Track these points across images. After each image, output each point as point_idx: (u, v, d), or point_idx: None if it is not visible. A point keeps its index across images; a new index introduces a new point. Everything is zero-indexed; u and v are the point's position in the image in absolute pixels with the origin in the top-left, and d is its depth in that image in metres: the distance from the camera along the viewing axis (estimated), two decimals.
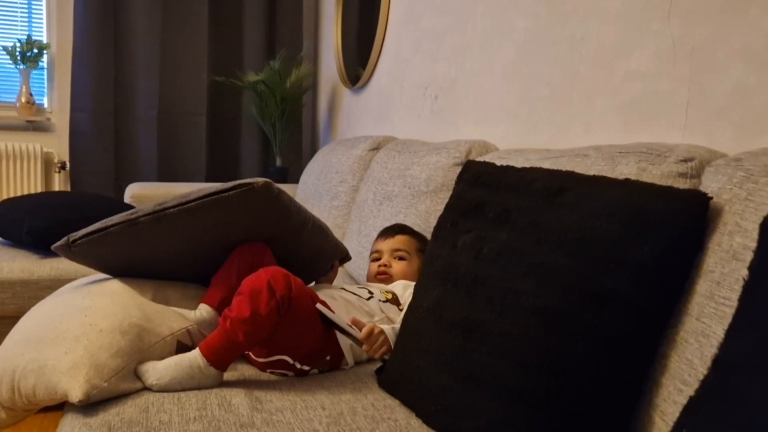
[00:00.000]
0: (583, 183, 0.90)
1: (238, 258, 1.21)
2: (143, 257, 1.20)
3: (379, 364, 1.15)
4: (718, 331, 0.69)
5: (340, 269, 1.69)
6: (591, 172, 1.02)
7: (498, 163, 1.32)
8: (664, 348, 0.78)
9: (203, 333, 1.14)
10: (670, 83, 1.15)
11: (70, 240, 1.15)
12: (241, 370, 1.13)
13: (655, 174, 0.93)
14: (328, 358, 1.13)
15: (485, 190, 1.01)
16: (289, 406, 0.97)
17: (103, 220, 1.14)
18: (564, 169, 1.05)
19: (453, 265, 0.97)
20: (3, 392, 0.99)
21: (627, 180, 0.86)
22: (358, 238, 1.89)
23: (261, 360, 1.10)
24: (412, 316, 1.03)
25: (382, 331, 1.10)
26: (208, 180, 3.21)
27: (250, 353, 1.12)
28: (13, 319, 1.83)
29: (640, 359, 0.77)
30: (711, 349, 0.70)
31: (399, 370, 1.02)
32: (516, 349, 0.82)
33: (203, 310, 1.17)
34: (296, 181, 3.00)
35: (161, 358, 1.04)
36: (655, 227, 0.77)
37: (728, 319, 0.67)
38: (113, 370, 0.96)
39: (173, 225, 1.12)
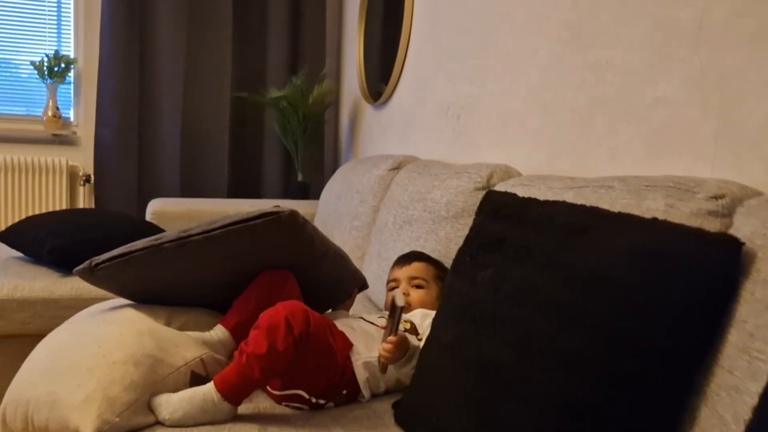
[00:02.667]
0: (608, 221, 0.87)
1: (259, 283, 1.20)
2: (165, 283, 1.19)
3: (396, 399, 1.13)
4: (751, 388, 0.66)
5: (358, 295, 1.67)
6: (616, 207, 0.99)
7: (520, 191, 1.29)
8: (694, 400, 0.74)
9: (218, 359, 1.12)
10: (698, 112, 1.12)
11: (93, 264, 1.15)
12: (256, 402, 1.11)
13: (684, 211, 0.89)
14: (344, 392, 1.11)
15: (506, 224, 0.99)
16: None
17: (127, 245, 1.14)
18: (588, 204, 1.02)
19: (472, 301, 0.95)
20: (18, 423, 0.98)
21: (655, 220, 0.83)
22: (378, 262, 1.87)
23: (276, 393, 1.09)
24: (430, 352, 1.01)
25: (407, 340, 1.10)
26: (230, 195, 3.22)
27: (268, 388, 1.11)
28: (34, 338, 1.84)
29: (669, 410, 0.74)
30: (744, 406, 0.66)
31: (416, 407, 0.99)
32: (536, 394, 0.79)
33: (219, 332, 1.17)
34: (317, 196, 2.99)
35: (175, 389, 1.02)
36: (685, 273, 0.74)
37: (762, 376, 0.64)
38: (125, 404, 0.95)
39: (197, 252, 1.11)
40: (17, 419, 0.98)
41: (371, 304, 1.88)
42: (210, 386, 0.99)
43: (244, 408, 1.07)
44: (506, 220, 0.99)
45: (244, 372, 0.97)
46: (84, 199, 3.27)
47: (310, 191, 3.30)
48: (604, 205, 1.02)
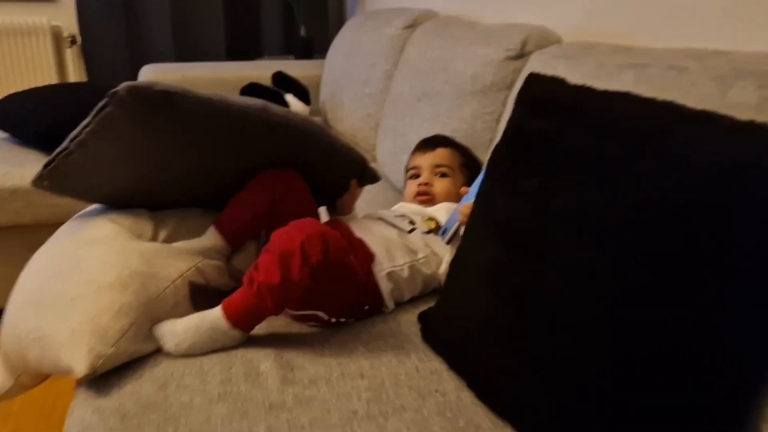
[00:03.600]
0: (689, 124, 0.69)
1: (260, 186, 1.05)
2: (121, 184, 1.03)
3: (421, 308, 1.03)
4: None
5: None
6: (692, 98, 0.81)
7: (563, 67, 1.10)
8: None
9: (216, 265, 1.01)
10: None
11: (38, 176, 0.99)
12: (270, 320, 1.01)
13: None
14: (366, 308, 1.02)
15: (554, 122, 0.81)
16: (323, 375, 0.86)
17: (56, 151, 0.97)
18: (655, 93, 0.84)
19: (513, 218, 0.80)
20: (13, 359, 0.90)
21: (752, 124, 0.65)
22: (393, 138, 1.70)
23: (292, 312, 0.99)
24: (463, 272, 0.89)
25: None
26: (229, 57, 2.97)
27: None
28: (31, 227, 1.75)
29: (758, 376, 0.62)
30: None
31: (447, 330, 0.89)
32: (592, 337, 0.68)
33: (212, 238, 1.04)
34: (323, 53, 2.74)
35: (174, 305, 0.93)
36: None
37: None
38: (119, 332, 0.85)
39: (96, 149, 0.93)
40: (12, 355, 0.90)
41: (386, 183, 1.74)
42: (218, 313, 0.89)
43: (256, 328, 0.99)
44: (555, 117, 0.81)
45: (255, 301, 0.87)
46: (73, 64, 3.03)
47: (315, 47, 3.04)
48: (677, 95, 0.83)
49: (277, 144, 1.03)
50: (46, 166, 0.97)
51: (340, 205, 1.22)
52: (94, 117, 0.90)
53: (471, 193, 1.05)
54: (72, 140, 0.93)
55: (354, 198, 1.23)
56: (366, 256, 1.03)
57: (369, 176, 1.23)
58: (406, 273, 1.05)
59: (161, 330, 0.89)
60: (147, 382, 0.83)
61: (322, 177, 1.13)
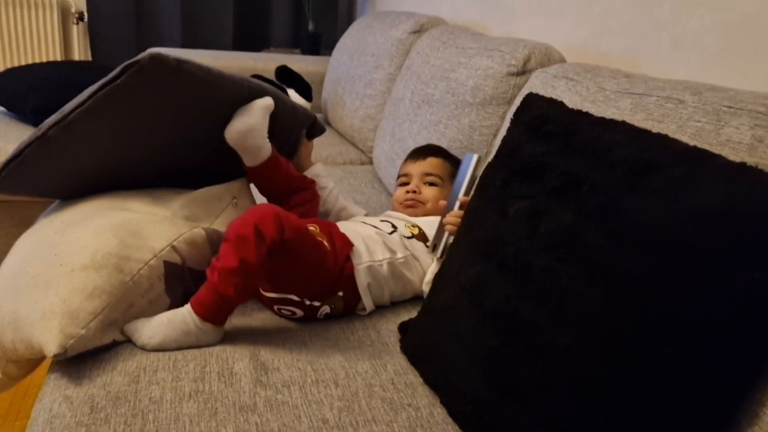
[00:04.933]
0: (681, 160, 0.68)
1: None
2: (87, 173, 1.02)
3: (402, 317, 1.03)
4: None
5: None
6: (687, 132, 0.80)
7: (563, 87, 1.09)
8: (760, 395, 0.62)
9: (193, 239, 1.00)
10: None
11: None
12: (249, 313, 1.02)
13: None
14: (340, 294, 1.01)
15: (550, 146, 0.80)
16: (297, 380, 0.85)
17: (19, 145, 0.96)
18: (651, 123, 0.84)
19: (500, 238, 0.80)
20: None
21: (743, 166, 0.65)
22: (391, 142, 1.70)
23: (268, 294, 1.00)
24: (445, 286, 0.88)
25: None
26: (235, 46, 2.96)
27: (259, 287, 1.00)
28: (21, 204, 1.74)
29: (731, 408, 0.61)
30: None
31: (425, 344, 0.88)
32: (567, 369, 0.67)
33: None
34: (330, 49, 2.73)
35: (148, 287, 0.92)
36: None
37: None
38: (91, 314, 0.84)
39: (87, 131, 0.93)
40: None
41: (380, 187, 1.74)
42: (188, 308, 0.88)
43: (235, 322, 0.98)
44: (551, 140, 0.81)
45: (218, 290, 0.86)
46: (78, 43, 3.01)
47: (322, 43, 3.02)
48: (672, 126, 0.83)
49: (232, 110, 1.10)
50: (5, 166, 0.96)
51: (299, 161, 1.29)
52: (94, 94, 0.89)
53: (451, 202, 1.06)
54: (50, 127, 0.91)
55: (309, 151, 1.33)
56: (343, 241, 1.03)
57: (318, 129, 1.34)
58: (385, 269, 1.05)
59: (132, 327, 0.88)
60: (119, 375, 0.82)
61: (288, 134, 1.22)
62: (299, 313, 1.00)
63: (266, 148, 1.11)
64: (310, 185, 1.24)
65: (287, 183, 1.19)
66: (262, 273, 0.89)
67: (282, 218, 0.87)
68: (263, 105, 1.07)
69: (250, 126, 1.06)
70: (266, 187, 1.19)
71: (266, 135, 1.10)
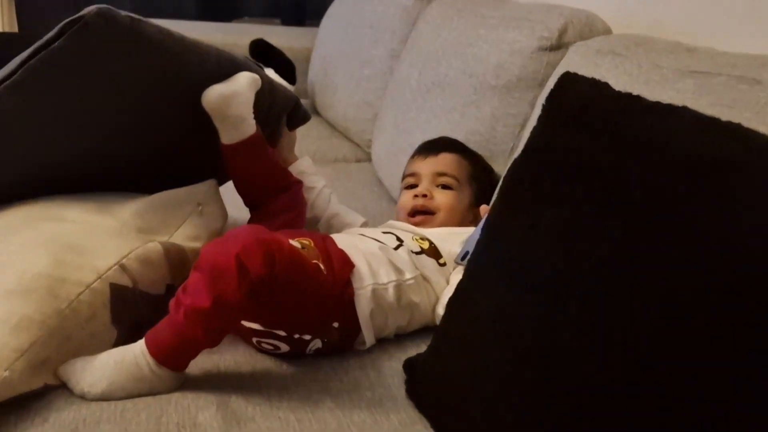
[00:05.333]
0: (762, 157, 0.67)
1: None
2: (13, 170, 1.02)
3: (409, 352, 1.01)
4: None
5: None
6: (767, 121, 0.79)
7: (609, 66, 1.10)
8: None
9: (149, 256, 0.99)
10: None
11: None
12: (218, 349, 1.00)
13: None
14: (336, 325, 1.00)
15: (591, 140, 0.79)
16: None
17: None
18: (720, 111, 0.83)
19: (529, 256, 0.78)
20: None
21: None
22: (394, 135, 1.70)
23: (249, 325, 0.97)
24: (461, 315, 0.87)
25: None
26: (200, 17, 2.96)
27: None
28: None
29: None
30: None
31: (438, 386, 0.87)
32: (627, 416, 0.66)
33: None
34: (317, 19, 2.73)
35: (89, 317, 0.90)
36: None
37: None
38: (16, 351, 0.82)
39: (13, 112, 0.92)
40: None
41: (381, 191, 1.73)
42: (141, 347, 0.86)
43: (199, 360, 0.96)
44: (592, 133, 0.79)
45: (182, 331, 0.85)
46: (2, 14, 3.01)
47: (308, 11, 3.04)
48: (747, 113, 0.83)
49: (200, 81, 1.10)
50: None
51: (280, 154, 1.30)
52: (24, 64, 0.88)
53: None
54: None
55: (292, 143, 1.35)
56: (343, 261, 1.02)
57: (301, 115, 1.35)
58: (391, 294, 1.04)
59: (69, 369, 0.87)
60: (51, 428, 0.81)
61: (264, 120, 1.20)
62: (284, 348, 0.99)
63: (250, 123, 1.12)
64: (295, 185, 1.23)
65: (270, 175, 1.19)
66: (240, 316, 0.88)
67: (273, 247, 0.85)
68: (249, 77, 1.09)
69: (233, 91, 1.07)
70: (244, 177, 1.18)
71: (252, 108, 1.11)
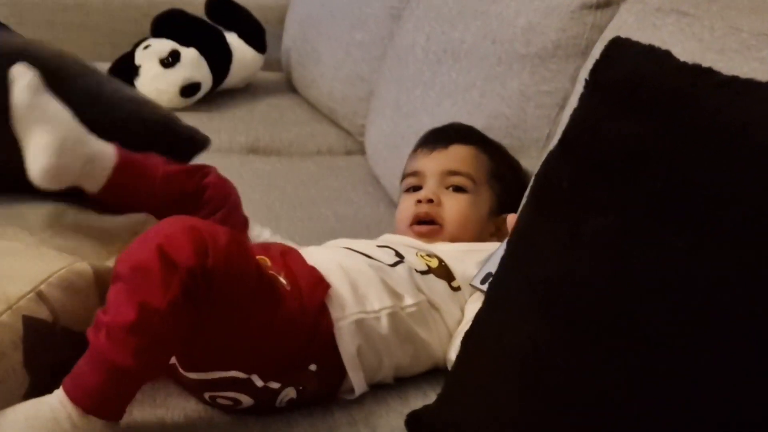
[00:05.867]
0: None
1: None
2: None
3: (411, 404, 1.03)
4: None
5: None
6: None
7: (671, 24, 1.17)
8: None
9: (72, 281, 1.00)
10: None
11: None
12: (165, 396, 1.03)
13: None
14: (313, 368, 1.01)
15: (649, 125, 0.81)
16: None
17: None
18: None
19: (569, 278, 0.80)
20: None
21: None
22: (395, 118, 1.73)
23: (191, 376, 0.99)
24: (480, 356, 0.89)
25: None
26: None
27: (175, 362, 1.00)
28: None
29: None
30: None
31: None
32: None
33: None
34: None
35: None
36: None
37: None
38: None
39: None
40: None
41: (378, 191, 1.74)
42: (59, 396, 0.86)
43: (139, 417, 0.98)
44: (650, 116, 0.82)
45: (107, 360, 0.84)
46: None
47: None
48: None
49: None
50: None
51: None
52: None
53: None
54: None
55: None
56: (314, 279, 1.03)
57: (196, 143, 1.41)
58: (384, 326, 1.05)
59: None
60: None
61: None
62: (246, 401, 1.00)
63: (104, 153, 1.12)
64: (209, 177, 1.23)
65: (177, 186, 1.19)
66: (176, 328, 0.87)
67: (203, 234, 0.87)
68: (25, 86, 1.06)
69: (55, 147, 1.06)
70: (142, 206, 1.19)
71: (84, 131, 1.10)
